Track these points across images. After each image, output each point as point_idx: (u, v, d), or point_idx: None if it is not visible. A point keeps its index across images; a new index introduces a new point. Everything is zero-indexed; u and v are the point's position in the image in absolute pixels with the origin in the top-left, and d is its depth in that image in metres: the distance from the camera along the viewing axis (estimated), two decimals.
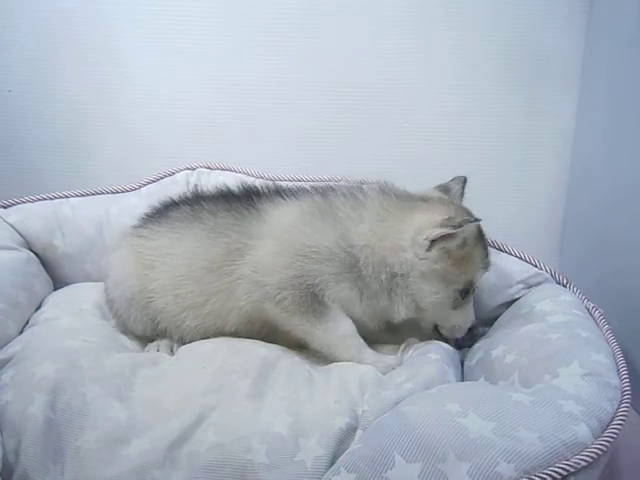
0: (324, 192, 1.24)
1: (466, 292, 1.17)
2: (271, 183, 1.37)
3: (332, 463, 0.86)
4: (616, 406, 0.88)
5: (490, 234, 1.39)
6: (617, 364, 0.99)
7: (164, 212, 1.31)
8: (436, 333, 1.23)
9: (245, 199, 1.26)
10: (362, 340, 1.17)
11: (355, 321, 1.17)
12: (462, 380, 1.16)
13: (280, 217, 1.19)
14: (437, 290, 1.14)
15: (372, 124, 1.74)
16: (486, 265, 1.18)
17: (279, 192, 1.27)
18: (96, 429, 0.93)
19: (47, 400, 0.95)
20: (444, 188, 1.29)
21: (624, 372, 0.97)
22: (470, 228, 1.11)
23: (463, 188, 1.31)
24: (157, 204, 1.37)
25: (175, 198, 1.37)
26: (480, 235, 1.17)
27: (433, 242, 1.10)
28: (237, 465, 0.86)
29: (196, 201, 1.30)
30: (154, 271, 1.22)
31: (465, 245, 1.12)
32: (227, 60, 1.70)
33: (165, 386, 1.04)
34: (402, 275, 1.13)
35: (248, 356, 1.12)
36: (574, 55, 1.63)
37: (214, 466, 0.86)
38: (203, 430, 0.93)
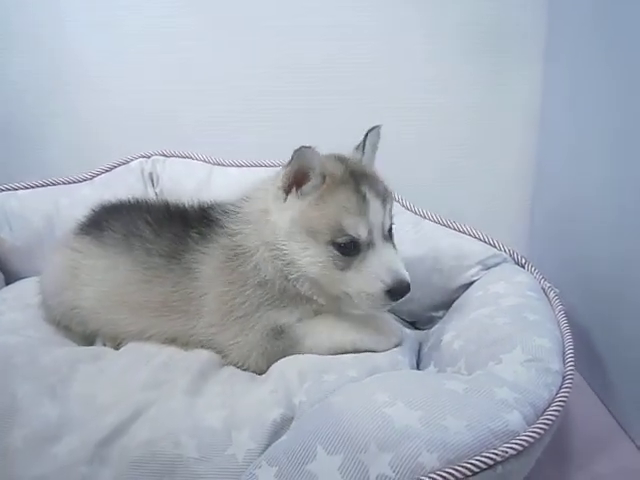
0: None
1: (346, 246, 1.00)
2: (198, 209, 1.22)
3: (266, 448, 0.83)
4: (554, 392, 0.85)
5: (455, 218, 1.37)
6: (564, 347, 0.97)
7: (101, 224, 1.22)
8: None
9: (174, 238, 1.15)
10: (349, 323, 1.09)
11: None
12: (416, 367, 1.13)
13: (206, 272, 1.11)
14: (306, 245, 1.01)
15: (336, 103, 1.70)
16: (361, 210, 1.00)
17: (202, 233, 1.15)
18: (24, 428, 0.89)
19: None
20: (357, 145, 1.15)
21: (570, 356, 0.94)
22: (329, 166, 1.03)
23: (368, 139, 1.13)
24: (99, 206, 1.29)
25: (113, 203, 1.28)
26: (350, 174, 1.03)
27: (289, 191, 1.03)
28: (165, 460, 0.83)
29: (131, 219, 1.19)
30: (88, 289, 1.16)
31: (324, 185, 1.01)
32: (182, 44, 1.66)
33: (104, 381, 1.01)
34: (277, 246, 1.04)
35: (194, 355, 1.08)
36: (537, 30, 1.59)
37: (142, 462, 0.83)
38: (138, 426, 0.90)
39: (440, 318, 1.27)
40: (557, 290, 1.14)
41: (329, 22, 1.63)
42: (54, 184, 1.54)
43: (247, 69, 1.68)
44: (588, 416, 1.16)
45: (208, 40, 1.66)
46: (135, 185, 1.56)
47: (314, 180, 1.01)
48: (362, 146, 1.12)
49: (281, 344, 1.07)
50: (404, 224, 1.40)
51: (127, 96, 1.71)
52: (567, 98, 1.47)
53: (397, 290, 0.98)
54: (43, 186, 1.53)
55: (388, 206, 1.06)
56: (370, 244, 1.01)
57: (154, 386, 0.99)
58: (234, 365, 1.08)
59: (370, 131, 1.12)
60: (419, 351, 1.19)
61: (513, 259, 1.26)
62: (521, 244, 1.68)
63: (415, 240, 1.35)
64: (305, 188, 1.02)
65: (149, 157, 1.61)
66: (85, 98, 1.71)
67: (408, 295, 1.00)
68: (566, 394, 0.85)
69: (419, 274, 1.28)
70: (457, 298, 1.26)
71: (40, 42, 1.67)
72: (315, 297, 1.07)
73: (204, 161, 1.61)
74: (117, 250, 1.16)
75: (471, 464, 0.71)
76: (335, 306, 1.10)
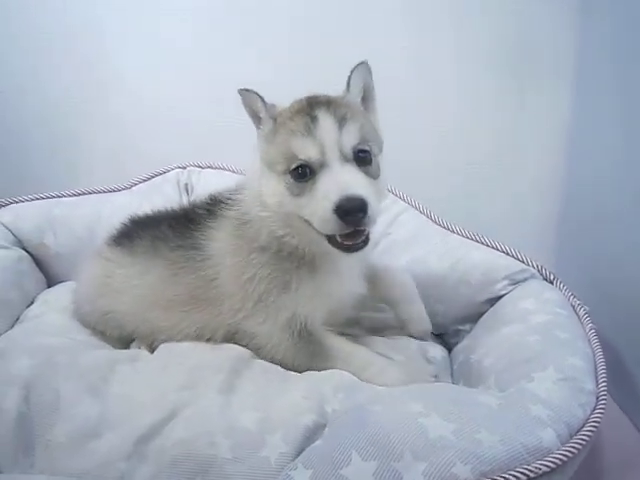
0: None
1: (299, 173, 0.98)
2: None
3: (298, 455, 0.85)
4: (589, 412, 0.86)
5: (483, 232, 1.38)
6: (596, 367, 0.96)
7: (130, 235, 1.29)
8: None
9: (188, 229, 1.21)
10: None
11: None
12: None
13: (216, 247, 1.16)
14: (268, 180, 1.03)
15: None
16: (308, 130, 0.97)
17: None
18: (67, 424, 0.93)
19: (21, 395, 0.96)
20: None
21: (602, 376, 0.94)
22: (288, 106, 1.06)
23: (352, 75, 1.08)
24: (126, 220, 1.36)
25: (140, 216, 1.36)
26: (307, 104, 1.03)
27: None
28: (200, 460, 0.86)
29: (156, 226, 1.26)
30: (124, 296, 1.23)
31: (277, 122, 1.04)
32: (222, 59, 1.72)
33: (141, 382, 1.04)
34: (260, 197, 1.06)
35: (225, 353, 1.12)
36: (568, 50, 1.60)
37: (178, 460, 0.86)
38: (173, 425, 0.93)
39: (467, 332, 1.29)
40: (587, 308, 1.14)
41: (368, 50, 1.66)
42: (96, 192, 1.61)
43: (280, 79, 1.71)
44: (617, 435, 1.15)
45: (252, 58, 1.71)
46: (171, 195, 1.62)
47: (265, 121, 1.06)
48: (347, 82, 1.08)
49: (310, 347, 1.09)
50: (432, 236, 1.43)
51: (163, 105, 1.77)
52: (597, 116, 1.48)
53: (345, 207, 0.90)
54: (85, 194, 1.60)
55: (350, 126, 0.98)
56: (323, 165, 0.96)
57: (188, 386, 1.02)
58: (265, 358, 1.11)
59: (356, 67, 1.07)
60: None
61: (541, 275, 1.26)
62: (549, 262, 1.68)
63: (443, 253, 1.37)
64: (260, 130, 1.07)
65: (185, 168, 1.67)
66: (123, 108, 1.79)
67: (366, 215, 0.91)
68: (600, 414, 0.86)
69: (446, 287, 1.32)
70: (484, 312, 1.27)
71: (79, 53, 1.75)
72: (305, 249, 1.08)
73: (236, 172, 1.66)
74: (146, 256, 1.22)
75: (504, 478, 0.73)
76: (332, 264, 1.10)
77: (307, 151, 0.97)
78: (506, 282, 1.26)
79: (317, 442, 0.84)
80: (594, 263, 1.45)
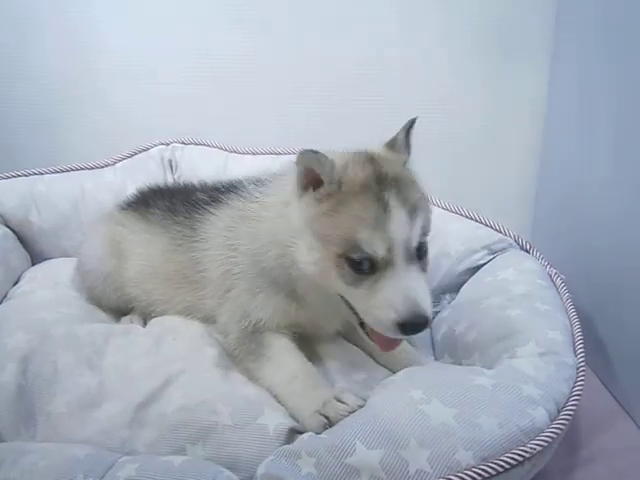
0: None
1: (359, 263, 0.87)
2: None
3: (294, 433, 0.89)
4: (572, 386, 0.90)
5: (460, 203, 1.43)
6: (574, 338, 1.01)
7: (147, 202, 1.31)
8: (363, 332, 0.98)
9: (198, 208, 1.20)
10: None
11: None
12: (433, 356, 1.19)
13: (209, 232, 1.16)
14: (312, 246, 0.92)
15: (347, 97, 1.75)
16: (379, 223, 0.86)
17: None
18: (66, 395, 0.96)
19: (18, 368, 0.99)
20: (391, 142, 1.04)
21: (580, 348, 0.99)
22: (351, 170, 0.92)
23: (407, 132, 1.02)
24: (143, 187, 1.38)
25: (156, 187, 1.37)
26: (375, 178, 0.91)
27: (306, 190, 0.94)
28: (202, 426, 0.89)
29: (171, 201, 1.26)
30: (128, 262, 1.25)
31: (340, 192, 0.90)
32: (208, 35, 1.72)
33: (135, 353, 1.07)
34: (285, 241, 0.97)
35: None
36: (544, 32, 1.64)
37: (179, 426, 0.90)
38: (171, 392, 0.96)
39: (448, 302, 1.32)
40: (563, 277, 1.19)
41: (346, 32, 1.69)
42: (78, 169, 1.60)
43: (266, 60, 1.73)
44: (592, 399, 1.17)
45: (239, 34, 1.71)
46: (155, 171, 1.63)
47: (327, 186, 0.90)
48: (402, 143, 1.00)
49: (252, 345, 1.05)
50: None
51: (150, 81, 1.76)
52: (572, 94, 1.52)
53: (411, 325, 0.84)
54: (68, 171, 1.59)
55: (419, 219, 0.89)
56: (389, 264, 0.87)
57: (183, 357, 1.05)
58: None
59: (411, 125, 1.00)
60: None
61: (518, 244, 1.31)
62: (524, 235, 1.74)
63: None
64: (318, 194, 0.92)
65: (168, 144, 1.67)
66: (109, 83, 1.77)
67: (425, 328, 0.87)
68: (581, 387, 0.90)
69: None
70: (464, 282, 1.31)
71: (67, 25, 1.72)
72: (307, 297, 1.03)
73: (220, 148, 1.67)
74: (155, 226, 1.24)
75: (503, 461, 0.76)
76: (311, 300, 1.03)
77: (374, 246, 0.86)
78: (485, 252, 1.30)
79: (321, 435, 0.85)
80: (568, 236, 1.51)
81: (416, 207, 0.89)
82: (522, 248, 1.31)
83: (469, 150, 1.77)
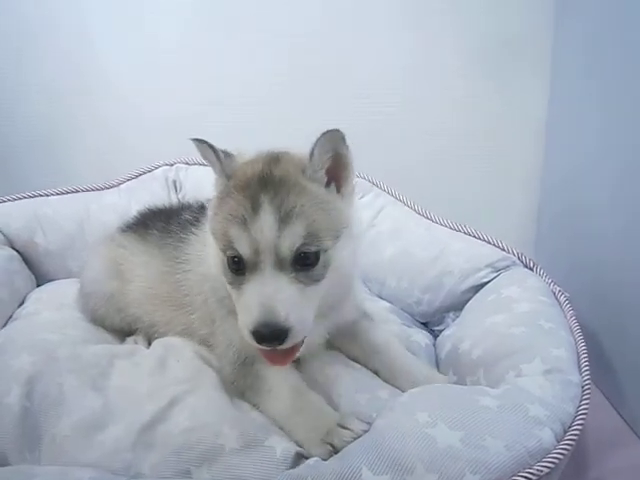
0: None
1: (233, 262, 0.87)
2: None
3: (300, 457, 0.89)
4: (577, 405, 0.89)
5: (463, 221, 1.43)
6: (579, 355, 1.00)
7: (146, 224, 1.31)
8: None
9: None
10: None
11: None
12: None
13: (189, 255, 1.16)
14: (213, 246, 0.93)
15: (357, 112, 1.77)
16: (245, 223, 0.84)
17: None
18: (71, 416, 0.96)
19: (23, 391, 0.99)
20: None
21: (585, 366, 0.98)
22: (243, 167, 0.91)
23: (317, 145, 0.90)
24: (143, 209, 1.38)
25: (155, 208, 1.37)
26: (258, 178, 0.88)
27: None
28: (207, 448, 0.89)
29: (167, 221, 1.26)
30: (130, 284, 1.25)
31: (228, 188, 0.90)
32: (207, 56, 1.75)
33: (140, 375, 1.08)
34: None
35: None
36: (543, 39, 1.66)
37: (185, 448, 0.89)
38: (176, 414, 0.96)
39: (452, 320, 1.33)
40: (567, 294, 1.18)
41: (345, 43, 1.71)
42: (83, 190, 1.62)
43: (264, 78, 1.75)
44: (598, 418, 1.17)
45: (241, 54, 1.74)
46: (159, 192, 1.64)
47: (218, 178, 0.94)
48: (311, 151, 0.90)
49: (248, 379, 1.03)
50: (416, 228, 1.48)
51: (148, 103, 1.79)
52: (573, 108, 1.53)
53: (260, 334, 0.81)
54: (73, 192, 1.61)
55: (294, 227, 0.84)
56: (256, 267, 0.84)
57: (188, 379, 1.05)
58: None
59: (323, 135, 0.88)
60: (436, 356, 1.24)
61: (522, 262, 1.31)
62: (528, 251, 1.75)
63: (427, 244, 1.42)
64: (215, 185, 0.95)
65: (172, 165, 1.68)
66: (108, 106, 1.80)
67: (285, 340, 0.82)
68: (587, 405, 0.89)
69: (431, 276, 1.36)
70: (468, 300, 1.31)
71: (65, 51, 1.75)
72: None
73: None
74: (153, 247, 1.24)
75: None
76: None
77: (241, 246, 0.85)
78: (488, 270, 1.31)
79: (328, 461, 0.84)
80: (571, 252, 1.51)
81: (293, 214, 0.84)
82: (525, 266, 1.31)
83: (471, 168, 1.78)
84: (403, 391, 1.00)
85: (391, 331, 1.24)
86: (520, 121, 1.74)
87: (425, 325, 1.43)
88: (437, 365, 1.22)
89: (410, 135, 1.72)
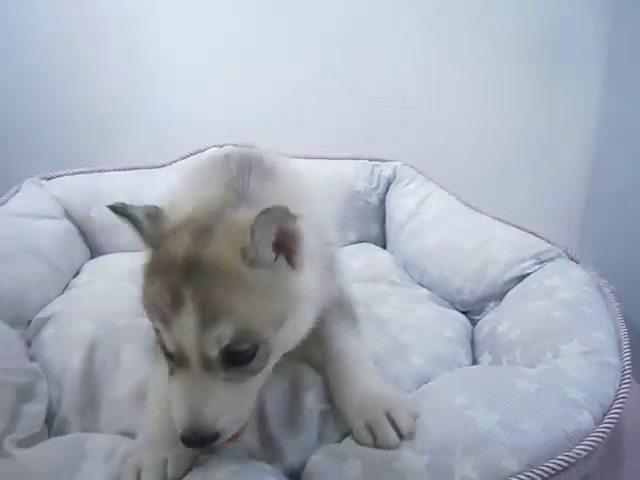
0: None
1: (165, 349, 0.77)
2: None
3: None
4: (617, 388, 0.89)
5: (509, 214, 1.43)
6: (621, 342, 1.00)
7: None
8: None
9: None
10: None
11: None
12: (472, 355, 1.20)
13: None
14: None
15: (384, 102, 1.78)
16: (166, 317, 0.74)
17: None
18: (128, 383, 1.01)
19: (85, 355, 1.05)
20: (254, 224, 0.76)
21: (627, 351, 0.97)
22: (171, 238, 0.78)
23: (257, 227, 0.74)
24: None
25: None
26: (172, 267, 0.74)
27: None
28: None
29: None
30: None
31: (154, 259, 0.79)
32: (269, 42, 1.80)
33: None
34: None
35: None
36: (598, 47, 1.63)
37: None
38: None
39: (491, 309, 1.33)
40: (613, 287, 1.17)
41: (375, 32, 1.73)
42: (137, 168, 1.69)
43: (307, 67, 1.79)
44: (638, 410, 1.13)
45: (301, 40, 1.79)
46: None
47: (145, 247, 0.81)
48: (250, 232, 0.74)
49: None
50: (461, 217, 1.49)
51: (210, 84, 1.86)
52: (628, 100, 1.50)
53: (186, 439, 0.74)
54: (127, 169, 1.67)
55: (220, 328, 0.72)
56: (183, 364, 0.75)
57: None
58: None
59: (261, 215, 0.73)
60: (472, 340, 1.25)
61: (567, 255, 1.31)
62: (573, 245, 1.73)
63: (471, 233, 1.43)
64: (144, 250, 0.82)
65: (222, 147, 1.72)
66: (166, 88, 1.87)
67: (214, 442, 0.74)
68: (627, 389, 0.88)
69: (474, 265, 1.37)
70: (509, 290, 1.31)
71: (126, 33, 1.82)
72: None
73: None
74: None
75: (548, 467, 0.75)
76: None
77: (166, 341, 0.76)
78: (533, 261, 1.30)
79: None
80: (617, 246, 1.50)
81: (220, 313, 0.72)
82: (571, 258, 1.31)
83: (519, 160, 1.77)
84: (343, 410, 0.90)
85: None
86: (572, 111, 1.73)
87: (465, 314, 1.43)
88: (472, 348, 1.22)
89: (457, 126, 1.73)
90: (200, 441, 0.73)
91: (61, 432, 0.96)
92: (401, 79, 1.75)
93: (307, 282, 0.82)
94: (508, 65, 1.70)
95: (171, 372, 0.78)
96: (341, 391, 0.90)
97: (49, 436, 0.94)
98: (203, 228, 0.77)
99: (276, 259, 0.78)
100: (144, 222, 0.80)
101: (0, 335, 1.06)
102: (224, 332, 0.72)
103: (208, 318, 0.72)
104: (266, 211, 0.72)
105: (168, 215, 0.82)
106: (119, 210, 0.80)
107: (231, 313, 0.73)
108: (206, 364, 0.74)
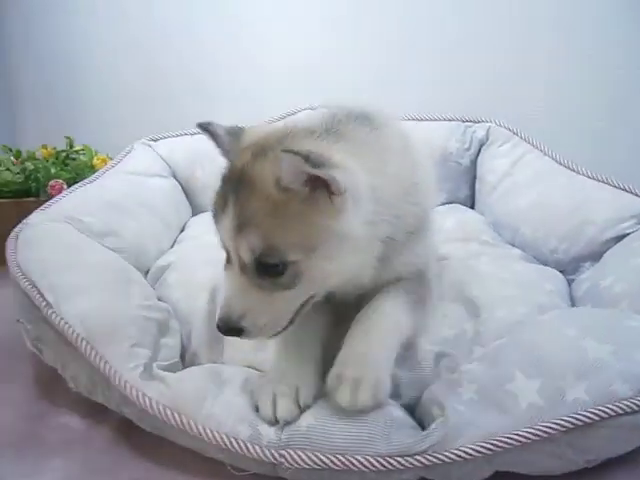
0: None
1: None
2: None
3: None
4: None
5: (610, 172, 1.42)
6: None
7: None
8: None
9: None
10: None
11: None
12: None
13: None
14: None
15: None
16: (216, 215, 0.88)
17: None
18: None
19: (208, 296, 1.15)
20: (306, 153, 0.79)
21: None
22: (242, 151, 0.89)
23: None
24: None
25: None
26: (231, 175, 0.87)
27: None
28: None
29: None
30: None
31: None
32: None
33: None
34: None
35: None
36: None
37: None
38: None
39: (587, 269, 1.32)
40: None
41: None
42: None
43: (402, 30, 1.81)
44: None
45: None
46: None
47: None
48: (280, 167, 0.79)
49: None
50: (557, 177, 1.49)
51: (295, 54, 1.94)
52: None
53: (220, 327, 0.84)
54: None
55: (249, 236, 0.80)
56: (230, 261, 0.87)
57: None
58: None
59: (284, 155, 0.77)
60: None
61: None
62: None
63: (568, 193, 1.42)
64: None
65: (314, 109, 1.78)
66: (260, 54, 1.97)
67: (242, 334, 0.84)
68: None
69: (571, 225, 1.36)
70: (606, 250, 1.30)
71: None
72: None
73: None
74: None
75: None
76: None
77: (220, 238, 0.89)
78: (633, 221, 1.29)
79: (478, 366, 0.91)
80: None
81: (250, 223, 0.80)
82: None
83: (617, 120, 1.73)
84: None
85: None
86: None
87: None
88: (572, 303, 1.23)
89: (552, 87, 1.72)
90: (227, 331, 0.83)
91: (192, 364, 1.05)
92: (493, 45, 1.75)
93: (351, 225, 0.82)
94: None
95: (225, 267, 0.88)
96: (348, 336, 0.90)
97: (183, 367, 1.04)
98: (262, 150, 0.84)
99: (315, 193, 0.80)
100: (224, 138, 0.92)
101: (136, 277, 1.17)
102: (254, 242, 0.80)
103: (242, 225, 0.81)
104: (286, 150, 0.76)
105: (247, 135, 0.92)
106: (204, 127, 0.92)
107: (259, 226, 0.80)
108: (243, 267, 0.83)
